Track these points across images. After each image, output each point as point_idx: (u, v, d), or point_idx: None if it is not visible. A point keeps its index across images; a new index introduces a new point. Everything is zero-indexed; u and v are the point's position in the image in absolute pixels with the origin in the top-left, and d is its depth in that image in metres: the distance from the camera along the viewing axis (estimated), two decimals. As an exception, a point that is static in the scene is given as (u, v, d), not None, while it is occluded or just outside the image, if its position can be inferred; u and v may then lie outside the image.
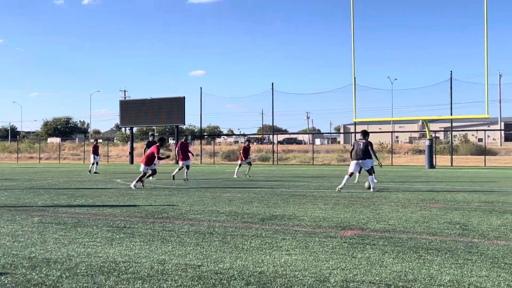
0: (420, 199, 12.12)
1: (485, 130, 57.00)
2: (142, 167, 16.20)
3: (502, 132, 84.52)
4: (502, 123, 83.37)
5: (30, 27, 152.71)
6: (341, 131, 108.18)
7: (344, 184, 14.48)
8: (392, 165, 38.65)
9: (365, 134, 15.19)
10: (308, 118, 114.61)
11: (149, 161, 16.21)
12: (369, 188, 14.45)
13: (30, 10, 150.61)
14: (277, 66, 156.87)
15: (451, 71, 40.80)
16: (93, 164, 26.90)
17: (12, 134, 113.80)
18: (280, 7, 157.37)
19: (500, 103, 78.65)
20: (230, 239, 6.75)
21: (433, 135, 39.90)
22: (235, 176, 22.66)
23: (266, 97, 57.32)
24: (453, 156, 40.96)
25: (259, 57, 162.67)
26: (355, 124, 43.81)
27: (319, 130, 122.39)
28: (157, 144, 16.34)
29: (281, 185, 17.22)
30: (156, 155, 16.06)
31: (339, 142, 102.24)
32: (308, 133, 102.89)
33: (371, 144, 14.98)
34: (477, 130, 69.07)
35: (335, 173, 26.64)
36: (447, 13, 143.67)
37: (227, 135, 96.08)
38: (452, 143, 44.97)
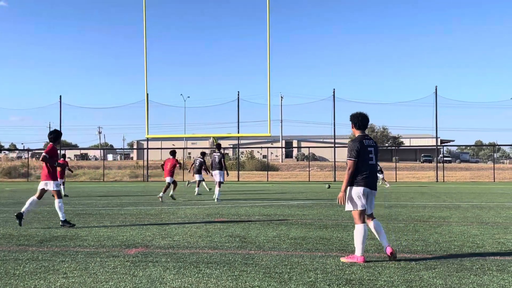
0: (206, 213, 12.54)
1: (268, 148, 61.57)
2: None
3: (283, 149, 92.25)
4: (283, 141, 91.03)
5: None
6: (135, 146, 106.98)
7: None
8: (183, 180, 39.40)
9: (219, 147, 17.34)
10: (100, 133, 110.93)
11: None
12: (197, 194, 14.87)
13: None
14: (67, 77, 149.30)
15: (238, 92, 43.35)
16: None
17: None
18: (63, 10, 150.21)
19: (281, 122, 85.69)
20: (1, 264, 6.17)
21: (223, 151, 41.72)
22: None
23: (55, 110, 54.02)
24: (240, 172, 43.34)
25: (47, 66, 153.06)
26: (147, 140, 43.75)
27: (111, 146, 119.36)
28: None
29: (66, 203, 16.33)
30: None
31: (132, 158, 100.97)
32: (100, 149, 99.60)
33: (223, 156, 16.59)
34: (261, 147, 74.34)
35: (126, 190, 26.18)
36: (232, 36, 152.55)
37: (8, 150, 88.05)
38: (239, 159, 47.56)
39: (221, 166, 16.64)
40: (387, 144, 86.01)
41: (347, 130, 57.07)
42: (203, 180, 22.29)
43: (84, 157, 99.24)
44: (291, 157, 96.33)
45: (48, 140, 10.58)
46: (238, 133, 40.28)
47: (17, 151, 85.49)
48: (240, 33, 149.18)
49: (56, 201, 10.17)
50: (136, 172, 47.58)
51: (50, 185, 10.24)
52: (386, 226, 9.68)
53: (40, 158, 10.28)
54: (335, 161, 43.64)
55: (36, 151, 74.13)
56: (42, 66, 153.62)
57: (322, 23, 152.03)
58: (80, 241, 8.04)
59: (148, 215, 12.32)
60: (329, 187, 27.79)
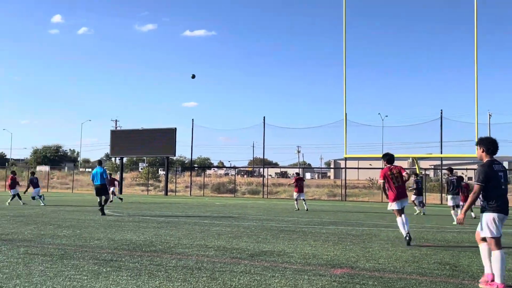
0: (413, 238, 12.05)
1: (474, 169, 57.24)
2: None
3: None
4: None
5: (26, 56, 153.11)
6: (332, 166, 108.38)
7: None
8: (382, 201, 38.61)
9: (451, 171, 19.27)
10: (299, 152, 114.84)
11: None
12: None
13: (26, 39, 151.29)
14: (269, 100, 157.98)
15: (441, 110, 41.26)
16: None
17: (1, 161, 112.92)
18: (274, 42, 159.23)
19: (489, 142, 79.27)
20: (219, 275, 6.67)
21: (423, 172, 40.04)
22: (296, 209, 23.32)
23: (258, 130, 57.52)
24: (443, 194, 41.00)
25: (252, 90, 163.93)
26: (345, 159, 43.94)
27: (309, 165, 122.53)
28: None
29: (271, 219, 17.13)
30: None
31: (329, 177, 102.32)
32: (299, 167, 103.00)
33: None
34: (466, 169, 69.62)
35: (325, 208, 26.53)
36: (438, 54, 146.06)
37: (217, 167, 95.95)
38: (442, 181, 45.09)
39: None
40: None
41: None
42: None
43: (283, 175, 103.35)
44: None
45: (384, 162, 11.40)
46: (441, 153, 38.25)
47: (225, 169, 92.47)
48: (442, 48, 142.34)
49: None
50: (334, 191, 48.03)
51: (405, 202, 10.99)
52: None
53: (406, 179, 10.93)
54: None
55: (241, 168, 79.47)
56: (247, 90, 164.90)
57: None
58: (287, 257, 8.33)
59: (349, 235, 12.29)
60: None
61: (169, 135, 46.95)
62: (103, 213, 17.14)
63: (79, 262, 7.41)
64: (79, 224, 13.61)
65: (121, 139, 49.99)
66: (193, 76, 23.54)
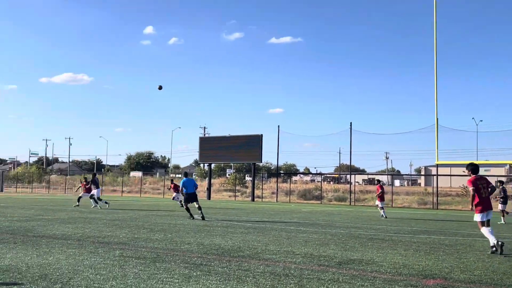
0: (508, 248, 11.39)
1: None
2: None
3: None
4: None
5: (117, 66, 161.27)
6: (422, 172, 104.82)
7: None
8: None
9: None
10: (387, 158, 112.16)
11: None
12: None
13: (119, 50, 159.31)
14: (356, 105, 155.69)
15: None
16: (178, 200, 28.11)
17: (97, 167, 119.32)
18: (360, 47, 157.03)
19: None
20: (306, 282, 6.62)
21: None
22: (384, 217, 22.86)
23: (344, 136, 56.83)
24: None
25: (338, 96, 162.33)
26: (437, 166, 42.38)
27: (398, 171, 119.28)
28: None
29: (359, 227, 16.82)
30: None
31: (419, 184, 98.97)
32: (387, 174, 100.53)
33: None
34: None
35: (415, 216, 25.65)
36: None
37: (303, 173, 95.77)
38: (543, 189, 42.29)
39: None
40: None
41: None
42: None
43: (371, 181, 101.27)
44: None
45: None
46: (542, 159, 35.91)
47: (311, 175, 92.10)
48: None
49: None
50: (425, 198, 46.36)
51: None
52: None
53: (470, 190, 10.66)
54: None
55: (327, 174, 78.88)
56: (333, 96, 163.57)
57: None
58: (376, 266, 8.13)
59: (442, 245, 11.81)
60: None
61: (255, 141, 47.52)
62: (203, 218, 18.06)
63: (171, 265, 7.65)
64: (170, 229, 14.07)
65: (209, 146, 51.24)
66: (160, 87, 23.35)
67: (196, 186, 19.14)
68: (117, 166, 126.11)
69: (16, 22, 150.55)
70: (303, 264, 8.23)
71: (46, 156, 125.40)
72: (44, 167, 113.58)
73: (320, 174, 73.30)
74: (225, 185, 64.18)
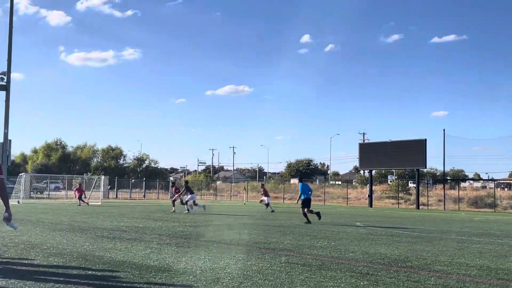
0: None
1: None
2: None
3: None
4: None
5: (276, 76, 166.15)
6: None
7: None
8: None
9: None
10: None
11: None
12: None
13: (277, 60, 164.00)
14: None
15: None
16: None
17: (259, 174, 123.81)
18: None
19: None
20: (485, 298, 6.09)
21: None
22: None
23: (519, 139, 51.79)
24: None
25: (510, 95, 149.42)
26: None
27: None
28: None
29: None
30: None
31: None
32: None
33: None
34: None
35: None
36: None
37: (473, 179, 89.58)
38: None
39: None
40: None
41: None
42: None
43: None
44: None
45: None
46: None
47: (481, 181, 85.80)
48: None
49: None
50: None
51: None
52: None
53: None
54: None
55: (500, 180, 72.73)
56: (505, 97, 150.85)
57: None
58: None
59: None
60: None
61: (418, 146, 45.63)
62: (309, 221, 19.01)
63: (337, 273, 7.55)
64: (333, 236, 13.98)
65: (369, 152, 50.34)
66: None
67: (311, 191, 20.05)
68: (277, 173, 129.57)
69: (182, 40, 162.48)
70: (479, 277, 7.60)
71: (212, 165, 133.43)
72: (211, 175, 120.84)
73: (493, 180, 67.89)
74: (387, 192, 62.48)
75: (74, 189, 37.64)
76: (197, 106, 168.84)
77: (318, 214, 19.52)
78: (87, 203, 33.48)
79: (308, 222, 18.93)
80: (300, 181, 20.95)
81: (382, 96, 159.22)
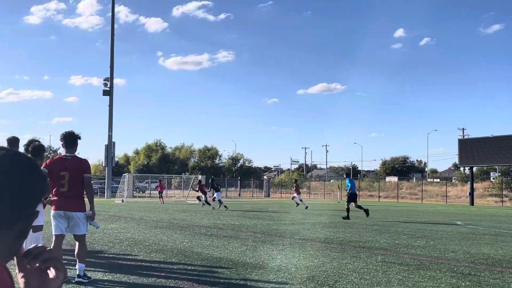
0: None
1: None
2: None
3: None
4: None
5: (369, 72, 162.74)
6: None
7: None
8: None
9: None
10: None
11: None
12: None
13: (369, 56, 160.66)
14: None
15: None
16: None
17: (353, 172, 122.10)
18: None
19: None
20: None
21: None
22: None
23: None
24: None
25: None
26: None
27: None
28: None
29: None
30: None
31: None
32: None
33: None
34: None
35: None
36: None
37: None
38: None
39: None
40: None
41: None
42: None
43: None
44: None
45: None
46: None
47: None
48: None
49: None
50: None
51: None
52: None
53: None
54: None
55: None
56: None
57: None
58: None
59: None
60: None
61: (524, 141, 42.96)
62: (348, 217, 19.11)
63: (436, 274, 7.31)
64: (432, 235, 13.52)
65: (470, 148, 48.04)
66: None
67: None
68: (372, 171, 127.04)
69: (273, 40, 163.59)
70: None
71: (305, 163, 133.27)
72: (304, 173, 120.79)
73: None
74: (489, 189, 59.30)
75: (157, 185, 39.80)
76: (290, 105, 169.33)
77: (366, 211, 19.81)
78: (162, 201, 34.22)
79: (347, 218, 19.05)
80: (347, 176, 22.42)
81: (482, 90, 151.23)
